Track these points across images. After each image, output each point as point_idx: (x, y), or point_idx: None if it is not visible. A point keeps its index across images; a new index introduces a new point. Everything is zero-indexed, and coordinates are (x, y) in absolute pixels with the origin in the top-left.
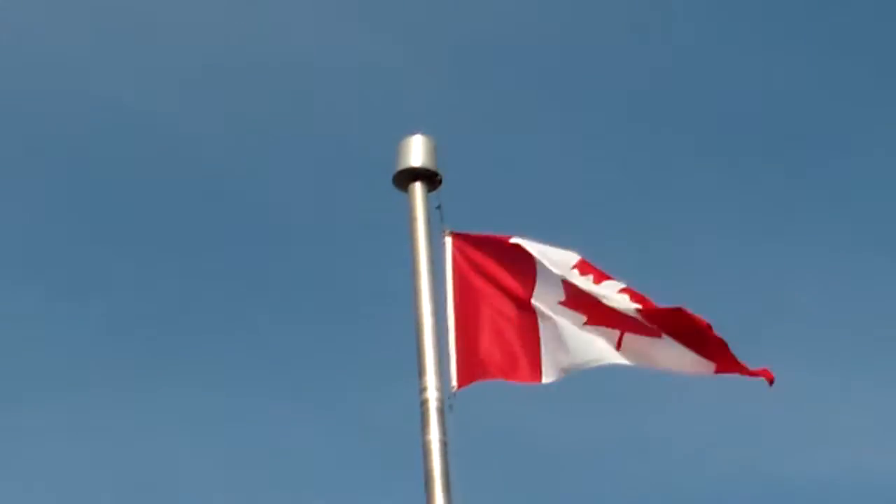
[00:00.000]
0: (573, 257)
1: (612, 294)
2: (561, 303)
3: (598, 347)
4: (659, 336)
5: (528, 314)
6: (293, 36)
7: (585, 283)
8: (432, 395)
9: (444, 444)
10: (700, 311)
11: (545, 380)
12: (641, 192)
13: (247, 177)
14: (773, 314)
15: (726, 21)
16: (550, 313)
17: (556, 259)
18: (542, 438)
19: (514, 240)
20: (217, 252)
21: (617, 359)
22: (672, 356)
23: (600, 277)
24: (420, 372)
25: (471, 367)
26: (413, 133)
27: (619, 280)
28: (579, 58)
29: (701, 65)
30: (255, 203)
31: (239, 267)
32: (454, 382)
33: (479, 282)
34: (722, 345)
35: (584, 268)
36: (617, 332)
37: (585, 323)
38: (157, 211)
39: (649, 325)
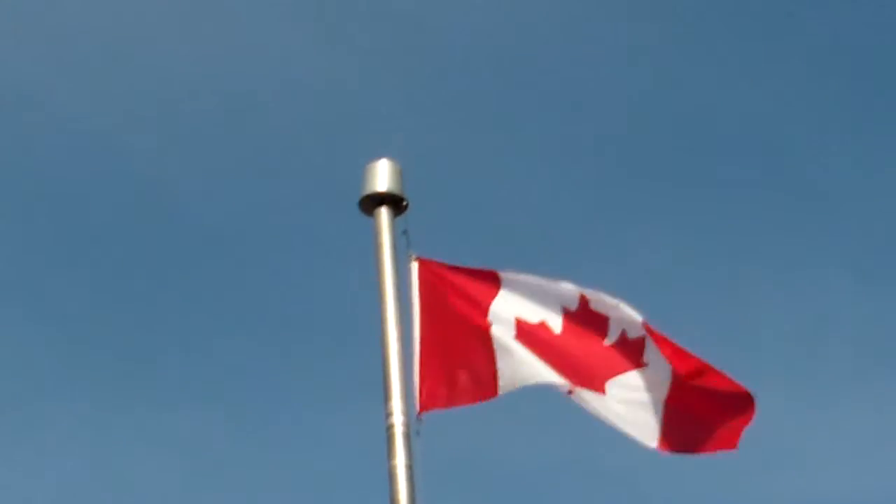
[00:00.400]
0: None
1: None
2: (514, 337)
3: (553, 377)
4: (602, 392)
5: (486, 340)
6: (260, 59)
7: (593, 302)
8: (398, 419)
9: (410, 469)
10: (668, 333)
11: (501, 391)
12: (613, 216)
13: (213, 201)
14: (742, 335)
15: (696, 42)
16: (508, 342)
17: (544, 291)
18: (509, 463)
19: (501, 273)
20: (181, 278)
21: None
22: (612, 414)
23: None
24: (386, 397)
25: (435, 394)
26: (379, 157)
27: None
28: (549, 81)
29: (672, 86)
30: (220, 227)
31: (204, 291)
32: (417, 407)
33: (444, 308)
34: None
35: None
36: (568, 384)
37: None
38: (118, 233)
39: (627, 355)
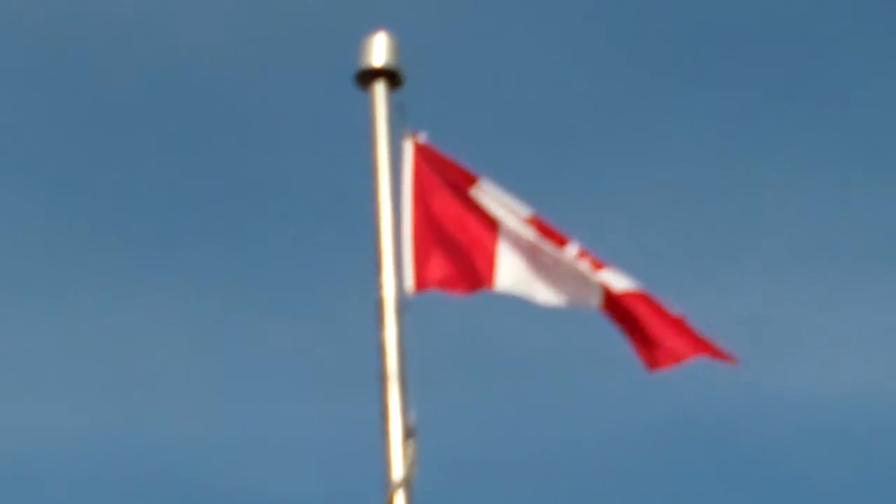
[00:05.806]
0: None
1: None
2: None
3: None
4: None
5: (487, 223)
6: None
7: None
8: (389, 292)
9: (401, 342)
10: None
11: (498, 286)
12: (618, 100)
13: (208, 71)
14: (755, 229)
15: None
16: (513, 230)
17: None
18: (503, 343)
19: (473, 189)
20: (176, 151)
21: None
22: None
23: (557, 239)
24: (378, 270)
25: (428, 273)
26: (377, 31)
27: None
28: None
29: None
30: (215, 98)
31: (198, 164)
32: (411, 286)
33: (439, 186)
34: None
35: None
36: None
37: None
38: (113, 106)
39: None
